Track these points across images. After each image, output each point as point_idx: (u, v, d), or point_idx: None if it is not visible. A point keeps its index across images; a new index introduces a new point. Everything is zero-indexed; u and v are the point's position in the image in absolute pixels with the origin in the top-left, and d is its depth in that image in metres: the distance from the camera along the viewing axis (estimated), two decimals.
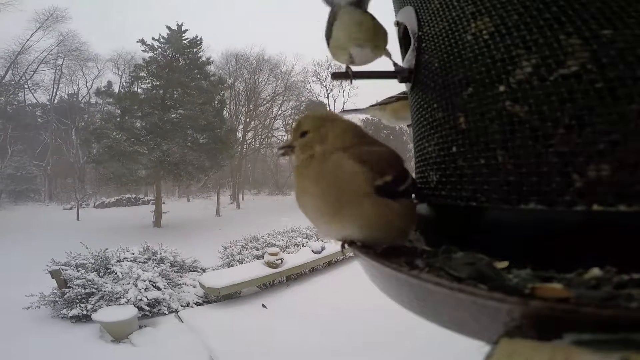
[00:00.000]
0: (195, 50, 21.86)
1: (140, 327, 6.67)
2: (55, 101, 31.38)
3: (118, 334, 6.34)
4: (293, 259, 9.09)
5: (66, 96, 32.97)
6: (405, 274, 0.45)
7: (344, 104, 34.59)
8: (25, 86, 28.51)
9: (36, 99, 31.49)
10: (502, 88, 0.51)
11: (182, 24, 21.61)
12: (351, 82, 0.79)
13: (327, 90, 34.84)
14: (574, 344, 0.31)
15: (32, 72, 26.72)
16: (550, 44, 0.48)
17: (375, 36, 0.75)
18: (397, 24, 0.78)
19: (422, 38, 0.67)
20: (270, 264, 8.57)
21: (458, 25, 0.58)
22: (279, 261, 8.67)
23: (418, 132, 0.70)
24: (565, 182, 0.44)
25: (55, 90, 30.90)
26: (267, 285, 8.71)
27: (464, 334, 0.42)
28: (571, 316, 0.32)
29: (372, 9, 0.78)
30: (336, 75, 0.78)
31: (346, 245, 0.64)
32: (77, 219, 21.49)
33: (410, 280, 0.44)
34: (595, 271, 0.39)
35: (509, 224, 0.49)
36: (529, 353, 0.32)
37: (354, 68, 0.78)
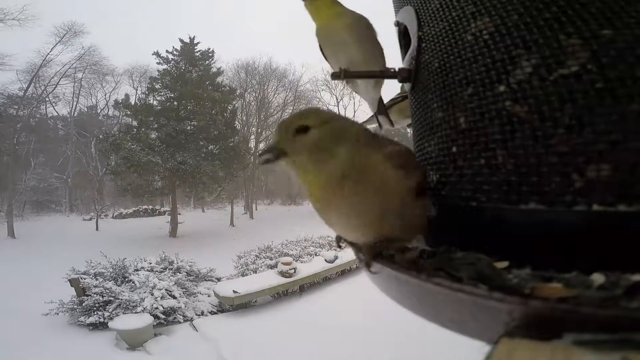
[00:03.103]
0: (207, 62, 22.43)
1: (155, 335, 6.75)
2: (75, 114, 32.53)
3: (133, 341, 6.42)
4: (306, 269, 9.07)
5: (85, 109, 34.22)
6: (405, 275, 0.45)
7: (354, 112, 34.68)
8: (47, 99, 29.65)
9: (57, 112, 32.72)
10: (502, 88, 0.51)
11: (194, 37, 22.25)
12: (347, 81, 0.80)
13: (337, 98, 35.02)
14: (574, 344, 0.31)
15: (54, 86, 27.76)
16: (550, 44, 0.48)
17: None
18: (397, 23, 0.78)
19: (422, 38, 0.67)
20: (283, 274, 8.58)
21: (458, 25, 0.58)
22: (292, 270, 8.66)
23: (418, 132, 0.70)
24: (565, 182, 0.44)
25: (75, 103, 32.06)
26: (280, 295, 8.69)
27: (464, 334, 0.42)
28: (571, 316, 0.32)
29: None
30: (335, 76, 0.79)
31: (342, 244, 0.61)
32: (97, 229, 22.03)
33: (411, 280, 0.44)
34: (596, 271, 0.39)
35: (509, 224, 0.49)
36: (529, 353, 0.32)
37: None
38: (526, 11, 0.50)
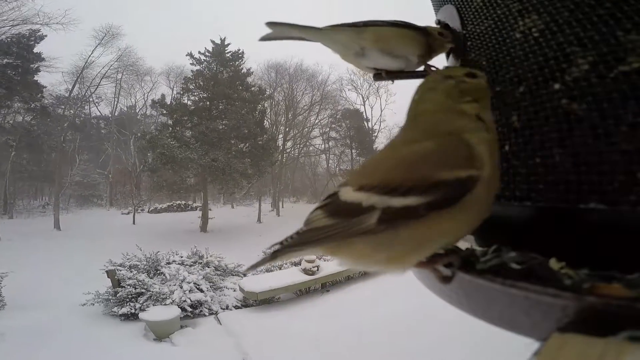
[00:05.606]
0: (237, 63, 22.98)
1: (181, 327, 6.95)
2: (116, 113, 34.46)
3: (161, 333, 6.63)
4: (329, 267, 9.07)
5: (125, 108, 36.13)
6: (455, 271, 0.45)
7: (381, 111, 34.29)
8: (90, 99, 31.54)
9: (100, 112, 34.78)
10: (557, 86, 0.49)
11: (224, 38, 22.78)
12: (393, 82, 0.79)
13: (363, 97, 34.68)
14: (628, 339, 0.30)
15: (96, 87, 29.43)
16: (607, 40, 0.46)
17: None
18: (439, 22, 0.78)
19: (467, 37, 0.66)
20: (306, 271, 8.65)
21: (505, 23, 0.57)
22: (316, 268, 8.70)
23: None
24: (630, 181, 0.42)
25: (116, 103, 33.94)
26: (303, 292, 8.76)
27: (514, 331, 0.41)
28: (627, 312, 0.31)
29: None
30: (377, 77, 0.77)
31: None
32: (133, 223, 23.15)
33: (461, 276, 0.44)
34: None
35: (565, 224, 0.48)
36: (581, 347, 0.32)
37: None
38: (577, 8, 0.49)
